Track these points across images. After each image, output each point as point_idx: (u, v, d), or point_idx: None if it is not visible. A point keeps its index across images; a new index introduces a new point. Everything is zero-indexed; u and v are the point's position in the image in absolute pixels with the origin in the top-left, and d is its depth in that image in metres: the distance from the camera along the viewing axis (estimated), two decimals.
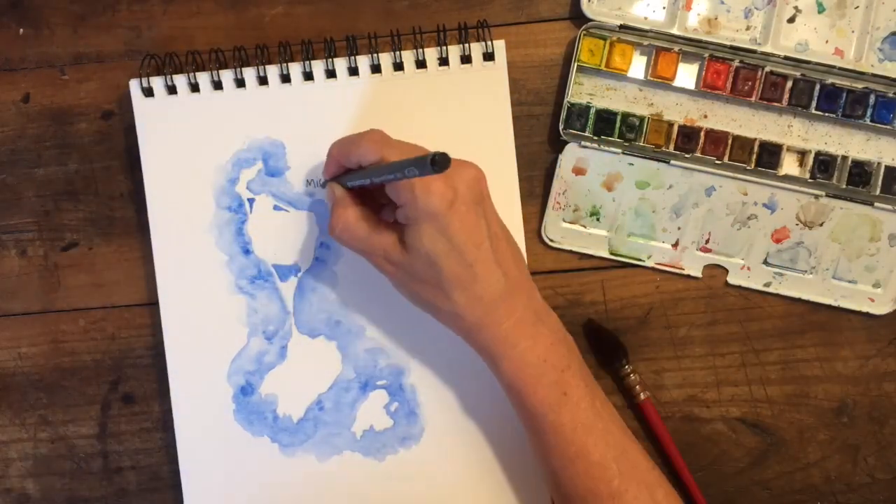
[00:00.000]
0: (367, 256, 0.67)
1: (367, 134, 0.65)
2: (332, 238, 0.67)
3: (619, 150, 0.74)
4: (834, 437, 0.76)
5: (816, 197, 0.74)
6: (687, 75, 0.74)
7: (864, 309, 0.75)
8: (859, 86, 0.73)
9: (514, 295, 0.65)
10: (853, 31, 0.73)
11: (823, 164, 0.74)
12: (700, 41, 0.73)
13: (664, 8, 0.74)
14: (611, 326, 0.76)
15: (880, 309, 0.75)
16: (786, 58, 0.73)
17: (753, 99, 0.74)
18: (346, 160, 0.66)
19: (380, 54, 0.73)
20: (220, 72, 0.74)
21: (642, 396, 0.74)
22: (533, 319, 0.66)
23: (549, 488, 0.69)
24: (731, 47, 0.73)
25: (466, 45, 0.73)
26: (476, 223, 0.63)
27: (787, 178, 0.74)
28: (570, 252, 0.76)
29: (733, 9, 0.73)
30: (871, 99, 0.73)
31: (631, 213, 0.75)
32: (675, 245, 0.75)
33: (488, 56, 0.73)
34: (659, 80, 0.74)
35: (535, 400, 0.65)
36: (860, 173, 0.73)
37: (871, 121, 0.73)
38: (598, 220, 0.75)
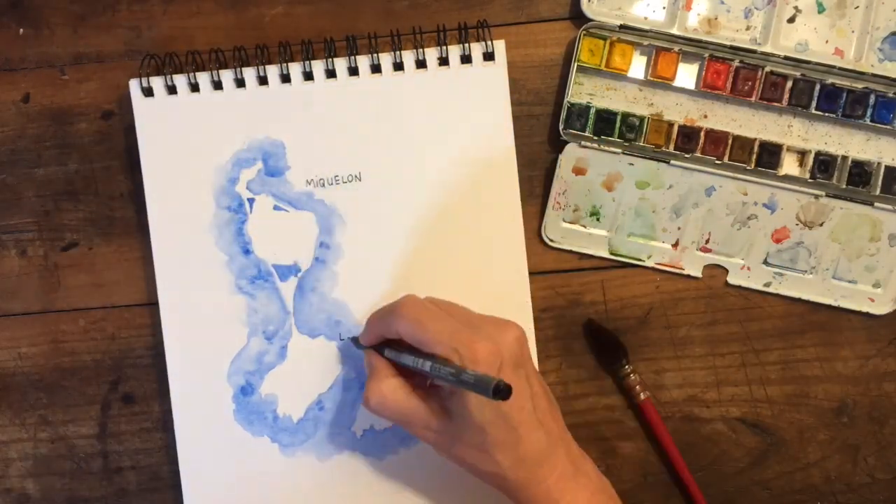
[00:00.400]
0: (405, 426, 0.66)
1: (404, 307, 0.64)
2: (368, 410, 0.66)
3: (619, 150, 0.74)
4: (834, 437, 0.76)
5: (816, 197, 0.74)
6: (687, 75, 0.74)
7: (864, 309, 0.75)
8: (859, 86, 0.73)
9: (555, 450, 0.65)
10: (853, 31, 0.73)
11: (823, 164, 0.74)
12: (700, 41, 0.73)
13: (664, 8, 0.74)
14: (611, 326, 0.76)
15: (880, 309, 0.75)
16: (786, 58, 0.73)
17: (753, 99, 0.74)
18: (387, 332, 0.66)
19: (380, 54, 0.73)
20: (220, 72, 0.74)
21: (642, 396, 0.75)
22: (573, 471, 0.66)
23: None
24: (731, 47, 0.73)
25: (466, 45, 0.73)
26: (519, 386, 0.63)
27: (787, 178, 0.74)
28: (570, 252, 0.76)
29: (733, 9, 0.73)
30: (871, 99, 0.73)
31: (631, 213, 0.75)
32: (675, 245, 0.75)
33: (488, 56, 0.73)
34: (659, 80, 0.74)
35: None
36: (860, 173, 0.73)
37: (871, 121, 0.73)
38: (598, 220, 0.75)
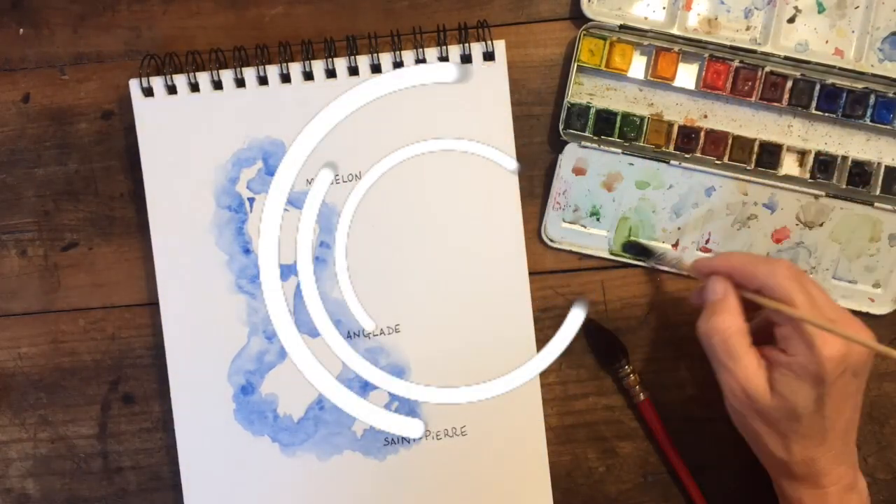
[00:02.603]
0: (726, 373, 0.64)
1: (790, 269, 0.63)
2: (701, 336, 0.65)
3: (619, 150, 0.74)
4: None
5: (816, 197, 0.74)
6: (687, 75, 0.74)
7: (864, 309, 0.75)
8: (859, 86, 0.73)
9: (842, 463, 0.65)
10: (853, 31, 0.73)
11: (823, 164, 0.74)
12: (700, 41, 0.73)
13: (664, 8, 0.74)
14: (611, 326, 0.76)
15: (880, 309, 0.75)
16: (786, 58, 0.73)
17: (753, 99, 0.74)
18: (749, 279, 0.64)
19: (380, 54, 0.73)
20: (220, 72, 0.74)
21: (642, 396, 0.75)
22: (850, 486, 0.65)
23: None
24: (731, 47, 0.73)
25: (466, 44, 0.73)
26: (849, 395, 0.63)
27: (787, 178, 0.74)
28: (570, 252, 0.76)
29: (733, 9, 0.73)
30: (871, 99, 0.73)
31: (631, 213, 0.75)
32: (675, 245, 0.75)
33: (488, 56, 0.73)
34: (659, 80, 0.74)
35: None
36: (860, 173, 0.73)
37: (871, 121, 0.73)
38: (598, 220, 0.75)
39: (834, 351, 0.60)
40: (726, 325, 0.63)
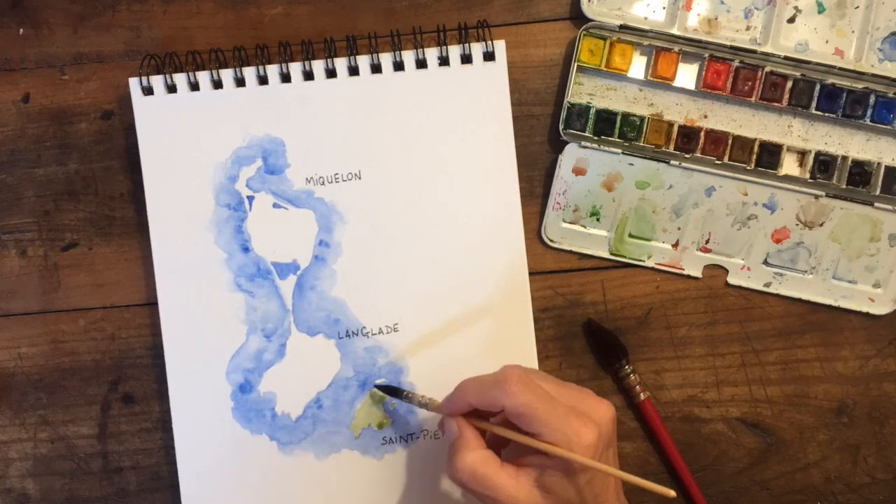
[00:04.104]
0: (492, 502, 0.62)
1: (513, 384, 0.61)
2: (454, 481, 0.64)
3: (619, 151, 0.74)
4: (834, 437, 0.76)
5: (816, 197, 0.74)
6: (687, 75, 0.74)
7: (864, 309, 0.75)
8: (859, 86, 0.73)
9: None
10: (853, 32, 0.73)
11: (823, 164, 0.74)
12: (700, 41, 0.73)
13: (664, 8, 0.74)
14: (611, 326, 0.76)
15: (880, 309, 0.75)
16: (786, 58, 0.73)
17: (753, 99, 0.74)
18: (489, 405, 0.63)
19: (380, 54, 0.73)
20: (220, 71, 0.74)
21: (642, 396, 0.74)
22: None
23: None
24: (731, 47, 0.73)
25: (467, 45, 0.73)
26: (609, 465, 0.62)
27: (787, 179, 0.74)
28: (570, 252, 0.76)
29: (733, 9, 0.73)
30: (871, 99, 0.73)
31: (631, 214, 0.75)
32: (675, 245, 0.75)
33: (488, 56, 0.74)
34: (659, 81, 0.74)
35: None
36: (860, 173, 0.73)
37: (871, 121, 0.73)
38: (598, 220, 0.75)
39: (590, 438, 0.60)
40: (469, 459, 0.62)
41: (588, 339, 0.76)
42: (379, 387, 0.75)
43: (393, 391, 0.73)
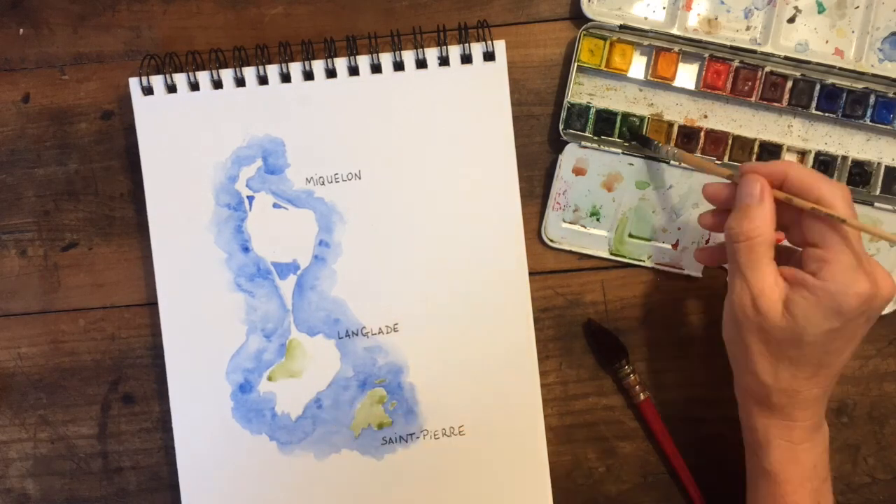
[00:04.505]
0: (740, 277, 0.62)
1: (845, 190, 0.61)
2: (730, 235, 0.62)
3: (619, 151, 0.74)
4: (834, 437, 0.75)
5: None
6: (687, 75, 0.74)
7: None
8: (859, 86, 0.73)
9: (819, 402, 0.65)
10: (853, 31, 0.73)
11: (823, 165, 0.74)
12: (700, 41, 0.73)
13: (664, 8, 0.74)
14: (611, 326, 0.76)
15: None
16: (786, 58, 0.73)
17: (753, 99, 0.74)
18: (806, 192, 0.61)
19: (380, 54, 0.73)
20: (220, 71, 0.74)
21: (642, 396, 0.74)
22: (817, 426, 0.66)
23: None
24: (731, 47, 0.73)
25: (467, 45, 0.73)
26: (856, 338, 0.62)
27: None
28: (570, 252, 0.76)
29: (733, 9, 0.73)
30: (871, 99, 0.73)
31: (631, 214, 0.75)
32: (675, 245, 0.75)
33: (488, 56, 0.74)
34: (659, 81, 0.74)
35: (795, 498, 0.65)
36: (860, 173, 0.73)
37: (871, 121, 0.73)
38: (598, 220, 0.75)
39: (864, 288, 0.59)
40: (758, 231, 0.61)
41: (588, 339, 0.76)
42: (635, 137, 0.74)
43: (643, 140, 0.73)
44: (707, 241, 0.75)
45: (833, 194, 0.60)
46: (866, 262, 0.60)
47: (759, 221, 0.61)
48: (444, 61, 0.74)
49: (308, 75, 0.74)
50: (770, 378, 0.63)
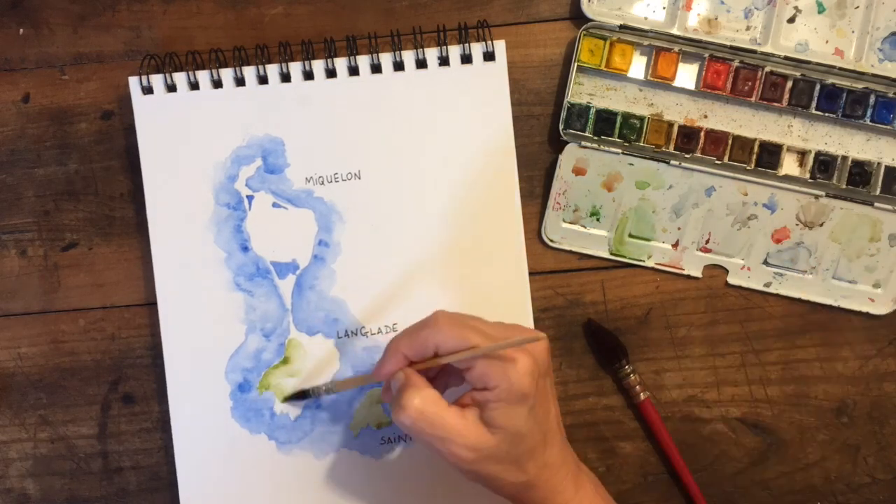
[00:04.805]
0: (441, 444, 0.62)
1: (441, 321, 0.62)
2: (402, 426, 0.63)
3: (619, 151, 0.74)
4: (834, 437, 0.76)
5: (816, 197, 0.74)
6: (687, 75, 0.74)
7: (864, 309, 0.75)
8: (859, 86, 0.73)
9: (567, 452, 0.67)
10: (853, 31, 0.73)
11: (823, 164, 0.74)
12: (700, 41, 0.73)
13: (664, 8, 0.74)
14: (611, 326, 0.76)
15: (880, 309, 0.75)
16: (786, 58, 0.73)
17: (753, 99, 0.74)
18: (421, 349, 0.63)
19: (380, 54, 0.74)
20: (220, 70, 0.74)
21: (642, 396, 0.74)
22: (576, 470, 0.67)
23: None
24: (731, 47, 0.73)
25: (467, 45, 0.73)
26: (548, 394, 0.64)
27: (787, 179, 0.74)
28: (570, 252, 0.76)
29: (733, 9, 0.73)
30: (871, 99, 0.73)
31: (631, 214, 0.75)
32: (675, 245, 0.75)
33: (488, 56, 0.74)
34: (659, 81, 0.74)
35: None
36: (860, 173, 0.73)
37: (871, 121, 0.73)
38: (598, 220, 0.75)
39: (526, 365, 0.61)
40: (417, 400, 0.62)
41: (588, 339, 0.76)
42: (287, 399, 0.75)
43: (300, 395, 0.74)
44: (707, 241, 0.75)
45: (439, 331, 0.62)
46: (505, 345, 0.61)
47: (412, 393, 0.62)
48: (444, 61, 0.74)
49: (308, 75, 0.74)
50: (522, 476, 0.64)
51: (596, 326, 0.75)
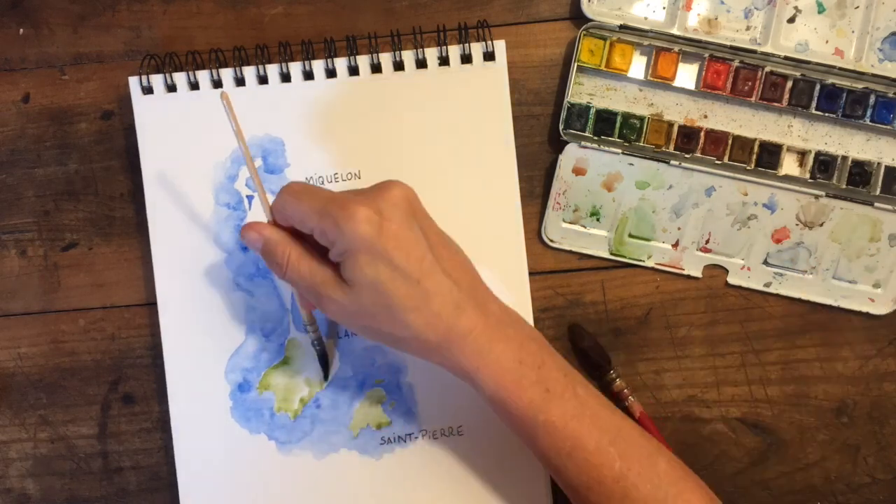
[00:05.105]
0: (317, 300, 0.64)
1: (287, 186, 0.64)
2: (281, 278, 0.65)
3: (619, 151, 0.74)
4: (834, 437, 0.75)
5: (816, 197, 0.74)
6: (687, 75, 0.74)
7: (864, 309, 0.75)
8: (859, 86, 0.73)
9: (472, 302, 0.63)
10: (853, 31, 0.73)
11: (823, 164, 0.74)
12: (700, 41, 0.73)
13: (664, 8, 0.74)
14: (611, 326, 0.76)
15: (880, 309, 0.75)
16: (786, 58, 0.73)
17: (753, 99, 0.74)
18: (288, 219, 0.64)
19: (380, 54, 0.74)
20: (220, 70, 0.74)
21: (631, 399, 0.74)
22: (496, 323, 0.64)
23: (558, 483, 0.68)
24: (731, 47, 0.73)
25: (467, 45, 0.73)
26: (412, 239, 0.62)
27: (787, 179, 0.74)
28: (570, 252, 0.76)
29: (733, 9, 0.73)
30: (871, 99, 0.73)
31: (631, 214, 0.75)
32: (675, 245, 0.75)
33: (488, 56, 0.74)
34: (659, 81, 0.74)
35: (522, 404, 0.63)
36: (860, 173, 0.73)
37: (871, 121, 0.73)
38: (598, 220, 0.75)
39: (362, 213, 0.60)
40: (291, 252, 0.64)
41: (572, 346, 0.76)
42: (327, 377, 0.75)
43: (323, 362, 0.75)
44: (707, 241, 0.75)
45: (285, 204, 0.64)
46: (353, 197, 0.62)
47: (282, 249, 0.64)
48: (444, 61, 0.74)
49: (308, 75, 0.74)
50: (406, 331, 0.62)
51: (578, 333, 0.75)
